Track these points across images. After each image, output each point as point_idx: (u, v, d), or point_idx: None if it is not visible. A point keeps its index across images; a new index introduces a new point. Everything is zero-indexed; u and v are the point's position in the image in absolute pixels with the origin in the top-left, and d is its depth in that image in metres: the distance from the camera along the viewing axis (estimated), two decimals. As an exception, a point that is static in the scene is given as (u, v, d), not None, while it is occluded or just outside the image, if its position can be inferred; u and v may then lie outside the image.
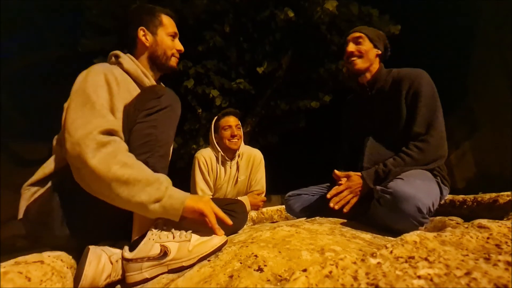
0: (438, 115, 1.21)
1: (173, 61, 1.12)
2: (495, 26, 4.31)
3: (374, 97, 1.38)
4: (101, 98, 0.82)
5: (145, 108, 0.85)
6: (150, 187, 0.75)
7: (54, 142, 0.92)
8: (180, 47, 1.13)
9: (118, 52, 1.04)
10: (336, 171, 1.27)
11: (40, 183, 0.88)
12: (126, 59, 1.02)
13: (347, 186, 1.20)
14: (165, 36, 1.08)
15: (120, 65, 1.00)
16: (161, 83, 1.19)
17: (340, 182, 1.23)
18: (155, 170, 0.80)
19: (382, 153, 1.29)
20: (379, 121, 1.35)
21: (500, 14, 4.20)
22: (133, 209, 0.76)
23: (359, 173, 1.22)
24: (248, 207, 1.90)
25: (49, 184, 0.86)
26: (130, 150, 0.80)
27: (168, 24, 1.10)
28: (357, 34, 1.37)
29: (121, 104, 0.86)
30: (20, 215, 0.85)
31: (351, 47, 1.37)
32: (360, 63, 1.36)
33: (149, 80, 1.04)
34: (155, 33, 1.07)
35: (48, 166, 0.89)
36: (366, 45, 1.36)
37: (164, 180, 0.79)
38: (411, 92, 1.24)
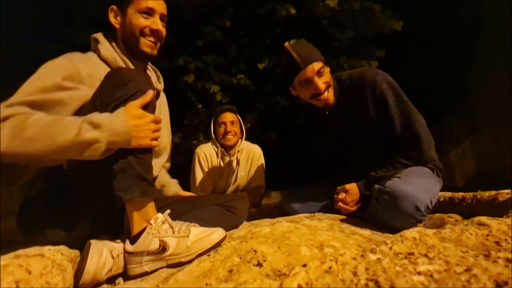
0: (412, 113, 1.19)
1: (144, 45, 0.94)
2: (499, 24, 4.29)
3: (334, 111, 1.31)
4: (46, 78, 0.78)
5: (112, 100, 0.76)
6: (70, 127, 0.70)
7: None
8: (155, 25, 0.94)
9: (98, 36, 0.95)
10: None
11: (31, 183, 0.86)
12: (105, 46, 0.93)
13: (348, 202, 1.22)
14: (135, 14, 0.92)
15: (97, 51, 0.92)
16: (157, 71, 1.11)
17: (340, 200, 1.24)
18: (131, 167, 0.75)
19: (370, 162, 1.28)
20: (353, 131, 1.31)
21: (504, 13, 4.18)
22: (74, 154, 0.72)
23: (355, 185, 1.23)
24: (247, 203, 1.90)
25: (40, 184, 0.85)
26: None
27: (138, 0, 0.93)
28: (318, 66, 1.17)
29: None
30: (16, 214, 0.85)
31: (320, 84, 1.19)
32: (331, 96, 1.26)
33: None
34: (125, 13, 0.93)
35: (36, 167, 0.86)
36: (327, 71, 1.23)
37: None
38: (378, 100, 1.21)
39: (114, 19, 0.95)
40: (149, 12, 0.94)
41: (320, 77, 1.20)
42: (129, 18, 0.93)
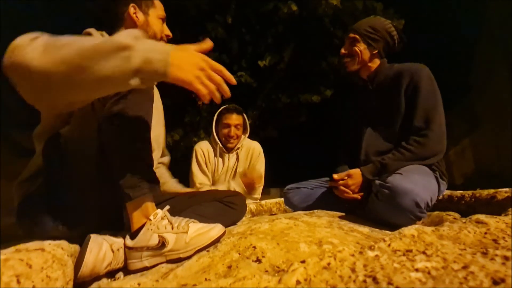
0: (438, 109, 1.20)
1: None
2: (500, 24, 4.27)
3: (374, 91, 1.38)
4: None
5: (109, 96, 0.74)
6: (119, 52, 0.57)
7: (34, 137, 0.88)
8: (168, 32, 1.09)
9: (91, 30, 0.91)
10: (334, 175, 1.27)
11: (30, 180, 0.85)
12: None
13: (350, 185, 1.22)
14: (156, 18, 1.05)
15: None
16: None
17: (341, 182, 1.24)
18: (137, 168, 0.76)
19: (379, 146, 1.29)
20: (378, 114, 1.35)
21: (505, 11, 4.15)
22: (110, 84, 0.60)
23: (358, 170, 1.23)
24: (242, 189, 1.86)
25: (39, 180, 0.84)
26: (106, 146, 0.75)
27: (158, 6, 1.07)
28: (352, 35, 1.36)
29: None
30: (14, 211, 0.85)
31: (344, 48, 1.39)
32: (351, 65, 1.38)
33: None
34: (146, 13, 1.03)
35: (35, 163, 0.86)
36: (360, 46, 1.35)
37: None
38: (411, 86, 1.24)
39: (135, 16, 1.02)
40: (163, 19, 1.08)
41: (350, 44, 1.37)
42: (151, 21, 1.04)
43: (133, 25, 1.01)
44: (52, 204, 0.81)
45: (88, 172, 0.81)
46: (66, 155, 0.80)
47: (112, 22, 1.02)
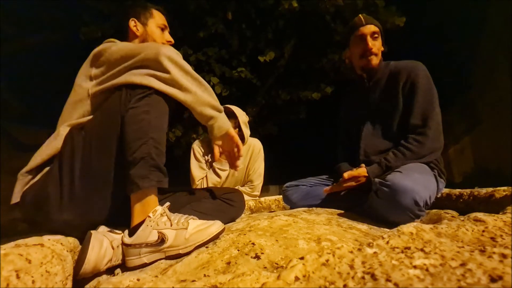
0: (435, 106, 1.21)
1: None
2: (501, 22, 4.25)
3: (371, 89, 1.38)
4: None
5: (136, 93, 0.84)
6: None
7: (61, 130, 0.90)
8: (169, 38, 1.18)
9: (113, 40, 1.03)
10: (345, 174, 1.24)
11: (36, 169, 0.87)
12: None
13: (348, 186, 1.24)
14: (155, 27, 1.15)
15: None
16: None
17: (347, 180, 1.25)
18: (150, 157, 0.79)
19: (377, 144, 1.30)
20: (375, 112, 1.36)
21: (507, 11, 4.14)
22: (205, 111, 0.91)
23: (365, 170, 1.23)
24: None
25: (46, 170, 0.86)
26: (124, 137, 0.81)
27: (157, 17, 1.16)
28: (374, 29, 1.31)
29: None
30: (16, 199, 0.86)
31: (371, 43, 1.31)
32: (375, 60, 1.34)
33: None
34: (145, 24, 1.14)
35: (45, 152, 0.88)
36: (380, 41, 1.35)
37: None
38: (408, 84, 1.24)
39: (135, 28, 1.13)
40: (164, 28, 1.17)
41: (373, 39, 1.32)
42: (150, 30, 1.14)
43: (134, 36, 1.13)
44: (61, 193, 0.82)
45: (102, 164, 0.84)
46: (86, 146, 0.84)
47: (125, 35, 1.14)
